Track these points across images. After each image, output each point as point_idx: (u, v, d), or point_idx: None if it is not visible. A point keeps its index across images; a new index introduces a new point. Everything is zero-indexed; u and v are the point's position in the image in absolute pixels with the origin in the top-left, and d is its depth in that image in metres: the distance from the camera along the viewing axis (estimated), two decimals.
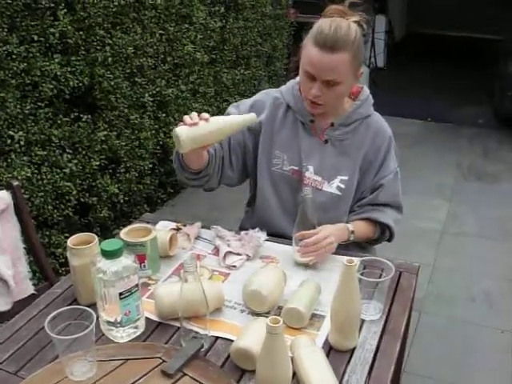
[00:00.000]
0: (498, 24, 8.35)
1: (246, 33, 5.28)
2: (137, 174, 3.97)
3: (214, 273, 1.85)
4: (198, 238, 2.06)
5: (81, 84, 3.27)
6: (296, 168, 2.03)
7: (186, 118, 1.72)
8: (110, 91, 3.52)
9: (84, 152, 3.43)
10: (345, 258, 1.47)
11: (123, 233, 1.83)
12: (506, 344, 3.02)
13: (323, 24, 1.86)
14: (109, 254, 1.48)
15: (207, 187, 2.06)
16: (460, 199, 4.68)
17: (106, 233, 3.75)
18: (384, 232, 2.11)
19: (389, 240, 2.15)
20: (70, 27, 3.11)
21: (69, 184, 3.28)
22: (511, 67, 5.86)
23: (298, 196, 1.98)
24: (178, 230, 2.09)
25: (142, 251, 1.79)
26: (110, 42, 3.47)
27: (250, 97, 2.17)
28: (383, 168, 2.06)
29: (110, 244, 1.50)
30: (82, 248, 1.65)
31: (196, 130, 1.69)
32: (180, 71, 4.31)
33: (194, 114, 1.73)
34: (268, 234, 1.99)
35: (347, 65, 1.87)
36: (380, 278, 1.67)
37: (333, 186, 2.03)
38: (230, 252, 1.91)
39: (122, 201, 3.82)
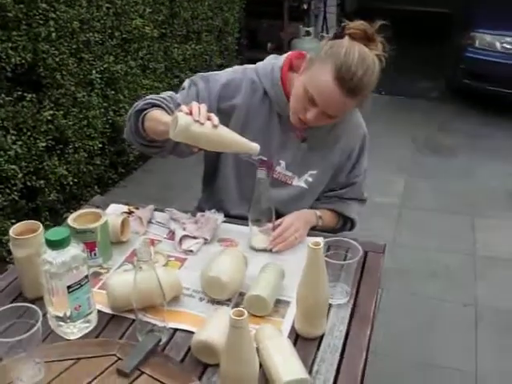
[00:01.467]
0: None
1: (197, 6, 5.12)
2: (86, 155, 3.81)
3: (169, 259, 1.74)
4: (151, 221, 1.94)
5: (23, 61, 3.09)
6: (265, 159, 1.91)
7: (195, 108, 1.52)
8: (55, 68, 3.35)
9: (29, 133, 3.26)
10: (310, 240, 1.38)
11: (71, 219, 1.70)
12: (469, 318, 3.00)
13: (351, 59, 1.62)
14: (55, 244, 1.36)
15: (155, 155, 1.91)
16: (417, 173, 4.64)
17: (55, 217, 3.62)
18: (346, 224, 2.10)
19: (349, 230, 2.12)
20: (9, 0, 2.93)
21: (14, 167, 3.12)
22: (462, 40, 5.82)
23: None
24: (129, 213, 1.97)
25: (92, 238, 1.67)
26: (54, 15, 3.29)
27: (201, 72, 1.98)
28: (357, 166, 2.01)
29: (56, 233, 1.37)
30: (26, 238, 1.52)
31: (198, 129, 1.50)
32: (129, 46, 4.15)
33: (204, 110, 1.53)
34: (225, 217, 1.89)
35: (358, 104, 1.78)
36: (346, 259, 1.59)
37: (301, 180, 1.96)
38: (186, 236, 1.80)
39: (71, 183, 3.66)
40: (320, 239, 1.78)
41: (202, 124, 1.51)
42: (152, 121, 1.68)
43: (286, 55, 1.88)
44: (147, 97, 1.78)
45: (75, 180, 3.72)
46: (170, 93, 1.86)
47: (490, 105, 5.78)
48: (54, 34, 3.27)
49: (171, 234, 1.85)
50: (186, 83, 1.89)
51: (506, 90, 5.48)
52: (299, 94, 1.73)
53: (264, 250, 1.78)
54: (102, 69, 3.83)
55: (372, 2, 10.45)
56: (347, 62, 1.62)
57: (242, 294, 1.56)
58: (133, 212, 1.96)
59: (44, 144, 3.34)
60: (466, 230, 3.86)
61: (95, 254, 1.69)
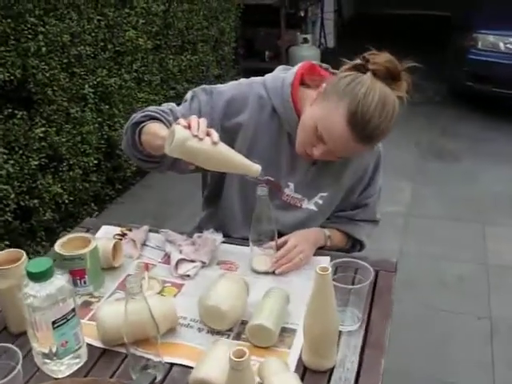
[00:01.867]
0: None
1: (191, 16, 5.01)
2: (81, 172, 3.69)
3: (165, 285, 1.62)
4: (145, 244, 1.82)
5: (12, 77, 2.98)
6: (272, 179, 1.78)
7: (194, 122, 1.41)
8: (46, 84, 3.24)
9: (21, 151, 3.15)
10: (316, 260, 1.26)
11: (58, 245, 1.58)
12: (484, 331, 2.87)
13: (369, 102, 1.47)
14: (36, 277, 1.24)
15: (153, 170, 1.79)
16: (423, 180, 4.52)
17: (51, 236, 3.50)
18: (355, 246, 1.97)
19: (358, 251, 1.99)
20: None
21: (6, 187, 3.01)
22: (464, 42, 5.71)
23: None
24: (122, 235, 1.85)
25: (81, 265, 1.55)
26: (43, 29, 3.19)
27: (198, 84, 1.85)
28: (370, 187, 1.88)
29: (38, 264, 1.25)
30: (7, 268, 1.39)
31: (196, 144, 1.39)
32: (122, 59, 4.04)
33: (203, 125, 1.42)
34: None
35: (371, 148, 1.68)
36: (355, 280, 1.47)
37: (311, 203, 1.83)
38: (183, 259, 1.68)
39: (66, 201, 3.54)
40: (326, 259, 1.68)
41: (201, 139, 1.39)
42: (149, 134, 1.56)
43: (296, 69, 1.72)
44: (146, 108, 1.67)
45: (71, 198, 3.60)
46: (170, 105, 1.73)
47: (492, 108, 5.68)
48: (43, 49, 3.16)
49: (167, 258, 1.73)
50: (188, 95, 1.76)
51: (511, 91, 5.36)
52: (308, 127, 1.59)
53: (266, 273, 1.66)
54: (95, 83, 3.72)
55: (369, 8, 10.38)
56: (364, 107, 1.47)
57: (244, 323, 1.44)
58: (126, 234, 1.85)
59: (37, 162, 3.23)
60: (475, 237, 3.73)
61: (85, 282, 1.58)
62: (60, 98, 3.39)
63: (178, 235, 1.79)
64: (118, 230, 1.89)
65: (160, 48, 4.57)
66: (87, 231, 1.93)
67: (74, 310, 1.30)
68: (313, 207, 1.82)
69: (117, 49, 3.95)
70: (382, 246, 1.87)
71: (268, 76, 1.76)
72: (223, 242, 1.78)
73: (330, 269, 1.21)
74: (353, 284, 1.46)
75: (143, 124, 1.60)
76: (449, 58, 6.33)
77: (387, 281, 1.62)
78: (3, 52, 2.92)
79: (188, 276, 1.64)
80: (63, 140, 3.46)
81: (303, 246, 1.70)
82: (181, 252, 1.70)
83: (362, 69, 1.52)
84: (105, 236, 1.84)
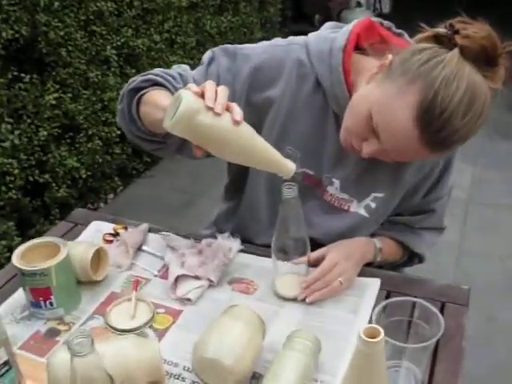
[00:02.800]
0: None
1: None
2: (102, 143, 3.31)
3: (158, 310, 1.22)
4: (141, 248, 1.42)
5: (17, 35, 2.59)
6: (311, 173, 1.35)
7: (209, 89, 1.00)
8: (59, 43, 2.84)
9: (29, 120, 2.77)
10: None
11: (17, 255, 1.20)
12: None
13: (451, 94, 1.01)
14: None
15: (156, 153, 1.37)
16: (486, 162, 3.98)
17: (68, 213, 3.16)
18: (412, 259, 1.52)
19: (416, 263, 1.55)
20: None
21: (11, 161, 2.64)
22: None
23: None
24: (115, 235, 1.46)
25: (45, 283, 1.17)
26: None
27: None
28: (439, 186, 1.41)
29: None
30: None
31: (209, 121, 0.98)
32: (151, 18, 3.61)
33: (223, 94, 1.01)
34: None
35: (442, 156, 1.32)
36: (411, 324, 1.04)
37: (361, 206, 1.37)
38: (184, 275, 1.27)
39: (84, 176, 3.17)
40: (375, 282, 1.26)
41: (218, 115, 0.98)
42: (149, 105, 1.17)
43: (350, 27, 1.25)
44: (149, 71, 1.26)
45: (89, 173, 3.23)
46: (183, 67, 1.32)
47: None
48: (56, 3, 2.76)
49: (165, 270, 1.33)
50: (205, 56, 1.32)
51: None
52: (359, 113, 1.14)
53: (294, 299, 1.24)
54: (118, 44, 3.31)
55: None
56: (444, 99, 1.01)
57: (256, 377, 1.03)
58: (118, 234, 1.46)
59: (48, 132, 2.85)
60: None
61: (51, 304, 1.20)
62: (77, 60, 3.00)
63: (182, 239, 1.39)
64: (111, 227, 1.50)
65: (196, 7, 4.12)
66: (74, 226, 1.55)
67: (6, 363, 0.91)
68: (363, 212, 1.37)
69: (145, 6, 3.52)
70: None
71: (312, 36, 1.30)
72: (241, 251, 1.37)
73: (382, 334, 0.78)
74: (409, 328, 1.04)
75: (143, 91, 1.20)
76: None
77: (457, 320, 1.18)
78: (6, 6, 2.52)
79: (189, 300, 1.24)
80: (80, 108, 3.07)
81: (345, 264, 1.27)
82: (183, 265, 1.30)
83: (446, 42, 1.05)
84: (91, 236, 1.45)
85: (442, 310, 1.19)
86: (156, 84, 1.22)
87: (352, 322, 1.17)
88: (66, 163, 3.02)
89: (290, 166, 1.06)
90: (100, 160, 3.31)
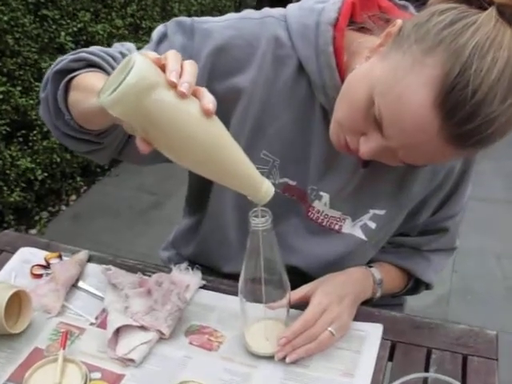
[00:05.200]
0: None
1: None
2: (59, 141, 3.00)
3: (92, 375, 0.92)
4: (77, 285, 1.12)
5: None
6: (293, 183, 1.05)
7: (172, 60, 0.71)
8: (5, 30, 2.53)
9: None
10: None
11: None
12: None
13: (486, 67, 0.72)
14: None
15: (91, 157, 1.04)
16: (482, 154, 3.71)
17: (26, 220, 2.96)
18: (418, 287, 1.23)
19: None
20: None
21: None
22: None
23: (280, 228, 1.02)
24: (46, 267, 1.16)
25: None
26: None
27: None
28: (452, 202, 1.12)
29: None
30: None
31: (169, 100, 0.68)
32: (112, 1, 3.30)
33: (192, 70, 0.71)
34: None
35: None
36: None
37: (356, 226, 1.07)
38: (128, 326, 0.98)
39: (40, 177, 2.87)
40: (377, 328, 0.98)
41: (182, 97, 0.69)
42: (80, 90, 0.87)
43: None
44: (82, 49, 0.95)
45: (46, 173, 2.93)
46: (127, 46, 1.01)
47: None
48: None
49: (104, 317, 1.03)
50: (156, 32, 1.00)
51: None
52: (356, 96, 0.84)
53: (271, 357, 0.94)
54: (75, 30, 3.00)
55: None
56: (476, 77, 0.72)
57: None
58: (49, 266, 1.15)
59: None
60: None
61: None
62: (27, 49, 2.69)
63: (126, 275, 1.09)
64: (41, 256, 1.20)
65: None
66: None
67: None
68: (359, 234, 1.07)
69: None
70: None
71: (293, 7, 0.99)
72: (203, 287, 1.08)
73: None
74: None
75: (74, 74, 0.90)
76: None
77: (485, 378, 0.89)
78: None
79: (132, 361, 0.94)
80: (32, 102, 2.76)
81: (337, 308, 0.97)
82: (126, 310, 1.00)
83: (475, 1, 0.76)
84: (15, 269, 1.15)
85: (464, 367, 0.90)
86: (91, 65, 0.91)
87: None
88: (18, 164, 2.75)
89: (266, 189, 0.77)
90: (58, 159, 3.01)
